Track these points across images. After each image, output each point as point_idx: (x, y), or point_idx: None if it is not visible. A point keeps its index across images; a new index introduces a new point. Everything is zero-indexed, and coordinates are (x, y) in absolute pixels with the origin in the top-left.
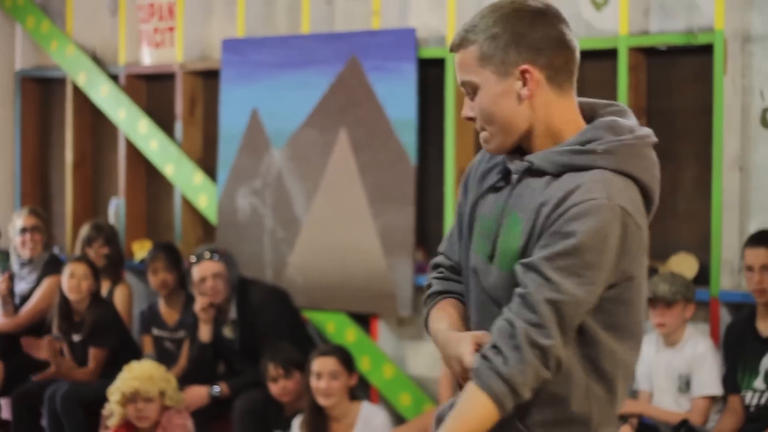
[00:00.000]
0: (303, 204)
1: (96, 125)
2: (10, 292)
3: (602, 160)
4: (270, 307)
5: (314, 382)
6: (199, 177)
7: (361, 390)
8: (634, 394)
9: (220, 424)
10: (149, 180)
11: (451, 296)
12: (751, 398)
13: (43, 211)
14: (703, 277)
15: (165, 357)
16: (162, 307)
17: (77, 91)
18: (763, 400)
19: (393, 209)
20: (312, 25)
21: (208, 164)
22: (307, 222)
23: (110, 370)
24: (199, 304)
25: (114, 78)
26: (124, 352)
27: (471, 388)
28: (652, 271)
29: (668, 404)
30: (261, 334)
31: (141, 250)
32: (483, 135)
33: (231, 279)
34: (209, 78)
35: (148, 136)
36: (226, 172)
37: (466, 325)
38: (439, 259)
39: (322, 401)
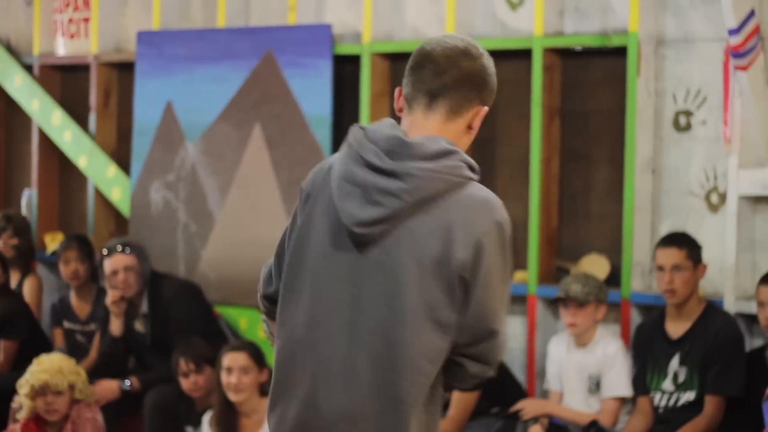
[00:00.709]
0: (217, 199)
1: (9, 115)
2: None
3: None
4: (182, 302)
5: (225, 378)
6: (112, 170)
7: None
8: (544, 394)
9: (130, 418)
10: (62, 172)
11: None
12: (659, 399)
13: None
14: (614, 278)
15: (76, 350)
16: (73, 299)
17: None
18: (671, 402)
19: None
20: (228, 19)
21: (121, 157)
22: (220, 217)
23: (20, 362)
24: (111, 297)
25: (28, 68)
26: (33, 344)
27: None
28: (564, 272)
29: (578, 405)
30: (172, 329)
31: (53, 242)
32: None
33: (143, 272)
34: (124, 70)
35: (61, 128)
36: (139, 166)
37: None
38: None
39: (232, 397)
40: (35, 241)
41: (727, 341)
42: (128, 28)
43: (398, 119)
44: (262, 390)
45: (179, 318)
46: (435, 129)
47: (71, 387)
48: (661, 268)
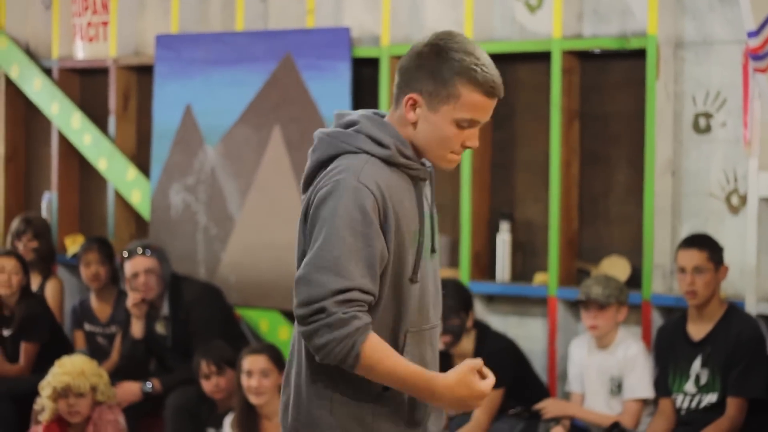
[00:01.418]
0: (236, 201)
1: (29, 119)
2: None
3: None
4: (203, 305)
5: (245, 380)
6: (132, 172)
7: None
8: (566, 396)
9: (151, 420)
10: (82, 175)
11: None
12: (682, 401)
13: None
14: (635, 280)
15: (97, 352)
16: (94, 302)
17: (10, 84)
18: (693, 404)
19: None
20: (246, 22)
21: (141, 160)
22: (240, 219)
23: (42, 365)
24: (131, 299)
25: (47, 72)
26: (55, 346)
27: None
28: (585, 274)
29: (600, 406)
30: (193, 331)
31: (73, 244)
32: (459, 158)
33: (163, 275)
34: (143, 73)
35: (81, 131)
36: (159, 168)
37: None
38: (358, 295)
39: (253, 399)
40: (56, 244)
41: (749, 343)
42: (147, 31)
43: None
44: None
45: (200, 320)
46: (388, 118)
47: (93, 389)
48: (682, 270)
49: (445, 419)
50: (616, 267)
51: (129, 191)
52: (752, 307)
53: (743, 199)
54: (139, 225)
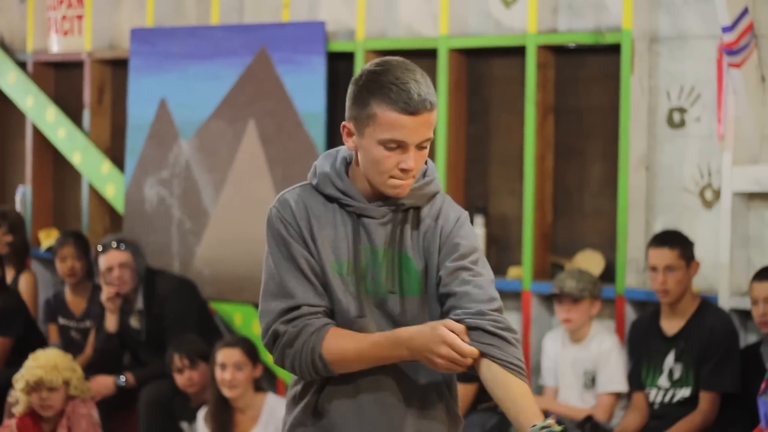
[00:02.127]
0: (211, 195)
1: (3, 112)
2: None
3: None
4: (177, 298)
5: (219, 373)
6: (106, 166)
7: (267, 382)
8: (539, 390)
9: (125, 414)
10: (56, 168)
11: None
12: (655, 396)
13: None
14: (608, 274)
15: (71, 346)
16: (68, 296)
17: None
18: (666, 398)
19: None
20: (221, 16)
21: (116, 154)
22: (215, 213)
23: (16, 358)
24: (105, 294)
25: (22, 65)
26: (29, 340)
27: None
28: (559, 268)
29: (573, 400)
30: (167, 325)
31: (47, 238)
32: (406, 183)
33: (138, 269)
34: (118, 67)
35: (55, 125)
36: (133, 162)
37: None
38: (306, 310)
39: (226, 393)
40: (30, 238)
41: (722, 338)
42: (122, 25)
43: None
44: (257, 385)
45: (174, 314)
46: None
47: (66, 383)
48: (654, 269)
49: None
50: (590, 261)
51: (103, 185)
52: (725, 302)
53: (717, 194)
54: (113, 219)
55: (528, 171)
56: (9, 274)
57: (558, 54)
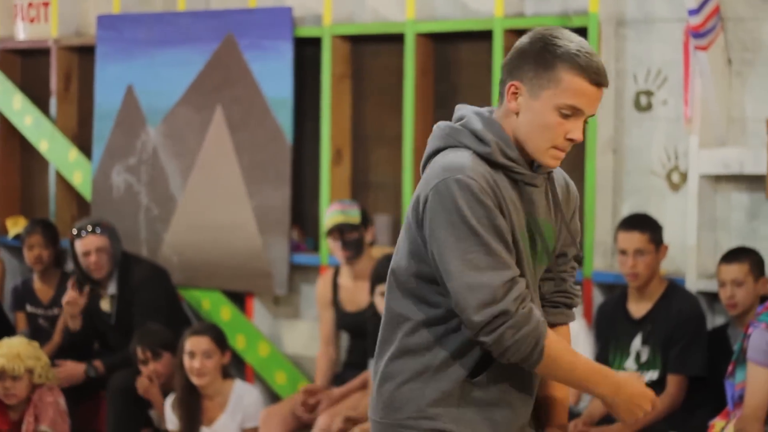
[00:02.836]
0: (178, 182)
1: None
2: None
3: None
4: (150, 287)
5: (187, 361)
6: (73, 153)
7: (236, 368)
8: None
9: (93, 402)
10: (23, 156)
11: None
12: None
13: None
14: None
15: (38, 334)
16: (36, 283)
17: None
18: None
19: (269, 188)
20: (188, 2)
21: (83, 141)
22: (182, 200)
23: None
24: (67, 297)
25: None
26: None
27: None
28: None
29: None
30: (137, 312)
31: (14, 226)
32: (563, 155)
33: (114, 253)
34: (84, 54)
35: (22, 112)
36: (101, 149)
37: None
38: (522, 283)
39: (195, 380)
40: None
41: (689, 320)
42: (88, 11)
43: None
44: (225, 373)
45: (145, 302)
46: (495, 114)
47: (29, 371)
48: (623, 252)
49: None
50: None
51: (70, 172)
52: (692, 284)
53: (684, 177)
54: (80, 206)
55: None
56: None
57: None
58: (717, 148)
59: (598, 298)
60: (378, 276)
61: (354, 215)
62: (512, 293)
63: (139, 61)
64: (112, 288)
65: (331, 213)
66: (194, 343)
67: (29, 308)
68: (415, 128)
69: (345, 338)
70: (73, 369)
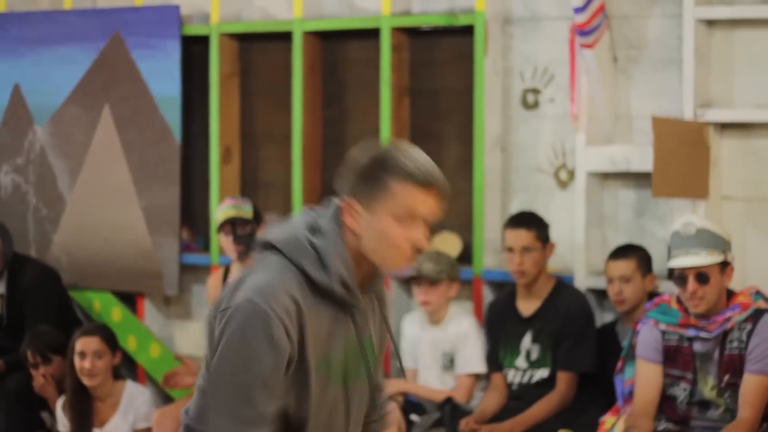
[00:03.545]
0: (67, 181)
1: None
2: None
3: None
4: (41, 287)
5: (78, 362)
6: None
7: (127, 369)
8: (399, 373)
9: None
10: None
11: None
12: (513, 376)
13: None
14: (466, 255)
15: None
16: None
17: None
18: (525, 379)
19: (158, 187)
20: (75, 0)
21: None
22: (71, 200)
23: None
24: None
25: None
26: None
27: None
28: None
29: (433, 382)
30: (28, 314)
31: None
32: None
33: (5, 252)
34: None
35: None
36: None
37: None
38: None
39: (86, 381)
40: None
41: (578, 317)
42: None
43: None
44: (116, 374)
45: (36, 303)
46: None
47: None
48: (510, 250)
49: None
50: (447, 243)
51: None
52: (581, 282)
53: (571, 174)
54: None
55: None
56: None
57: (412, 36)
58: (604, 146)
59: (488, 296)
60: None
61: (247, 210)
62: None
63: (26, 59)
64: (1, 288)
65: (224, 208)
66: (84, 344)
67: None
68: (303, 126)
69: None
70: None
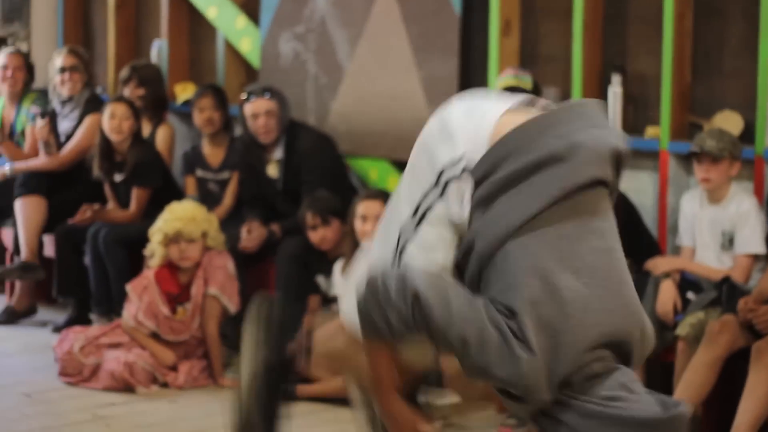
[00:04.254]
0: (346, 50)
1: None
2: (54, 132)
3: None
4: (317, 153)
5: (359, 225)
6: (242, 21)
7: None
8: (676, 250)
9: (260, 267)
10: (192, 22)
11: None
12: None
13: (85, 52)
14: (747, 135)
15: (207, 198)
16: (206, 148)
17: None
18: None
19: (437, 58)
20: None
21: (251, 8)
22: (350, 69)
23: (152, 211)
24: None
25: None
26: (166, 192)
27: None
28: (697, 128)
29: (710, 261)
30: (304, 179)
31: (184, 92)
32: None
33: (283, 118)
34: None
35: None
36: (269, 17)
37: None
38: None
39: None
40: (166, 91)
41: None
42: None
43: None
44: None
45: (312, 170)
46: None
47: (204, 235)
48: None
49: None
50: (729, 121)
51: (238, 39)
52: None
53: None
54: (248, 73)
55: (667, 29)
56: (146, 128)
57: None
58: None
59: None
60: None
61: (526, 81)
62: None
63: None
64: (278, 153)
65: (504, 77)
66: (367, 207)
67: (199, 173)
68: (584, 0)
69: None
70: (261, 233)
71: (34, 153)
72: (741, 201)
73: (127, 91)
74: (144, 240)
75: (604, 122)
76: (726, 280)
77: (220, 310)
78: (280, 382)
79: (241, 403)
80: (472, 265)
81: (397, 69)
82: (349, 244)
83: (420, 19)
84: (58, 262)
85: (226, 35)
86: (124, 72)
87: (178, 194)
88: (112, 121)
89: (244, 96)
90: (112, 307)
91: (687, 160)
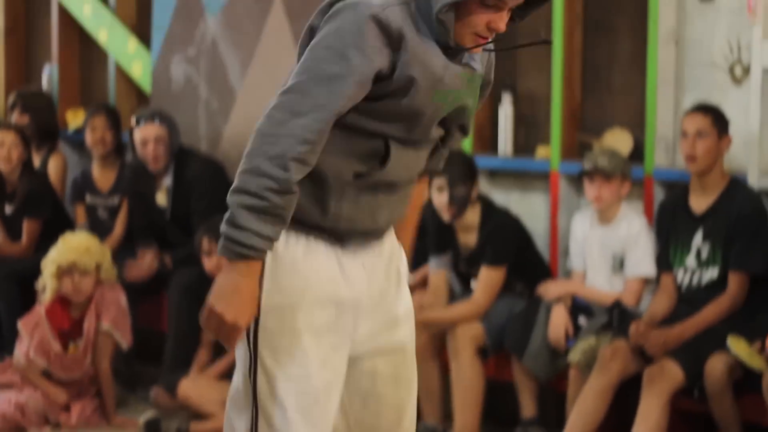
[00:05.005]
0: (238, 73)
1: None
2: None
3: None
4: (206, 180)
5: None
6: (133, 44)
7: None
8: (568, 273)
9: (153, 300)
10: (83, 46)
11: None
12: (682, 277)
13: None
14: (637, 154)
15: (98, 226)
16: (96, 171)
17: None
18: (694, 281)
19: None
20: None
21: (142, 30)
22: (241, 92)
23: (43, 243)
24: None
25: None
26: (56, 224)
27: None
28: (587, 147)
29: (601, 284)
30: (194, 209)
31: (75, 118)
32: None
33: (172, 145)
34: None
35: (81, 1)
36: (160, 39)
37: None
38: None
39: None
40: (56, 119)
41: (751, 217)
42: None
43: None
44: None
45: (202, 196)
46: None
47: (97, 267)
48: (684, 134)
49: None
50: (619, 140)
51: (130, 63)
52: (755, 181)
53: (747, 70)
54: (140, 98)
55: (556, 47)
56: (38, 157)
57: None
58: None
59: (659, 196)
60: None
61: None
62: None
63: None
64: (168, 181)
65: None
66: None
67: (89, 198)
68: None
69: None
70: (151, 263)
71: None
72: (631, 221)
73: (13, 119)
74: (36, 274)
75: None
76: (617, 305)
77: (113, 346)
78: None
79: None
80: None
81: None
82: None
83: None
84: None
85: (117, 59)
86: (10, 98)
87: (70, 225)
88: (1, 149)
89: (133, 121)
90: (3, 345)
91: (578, 180)
